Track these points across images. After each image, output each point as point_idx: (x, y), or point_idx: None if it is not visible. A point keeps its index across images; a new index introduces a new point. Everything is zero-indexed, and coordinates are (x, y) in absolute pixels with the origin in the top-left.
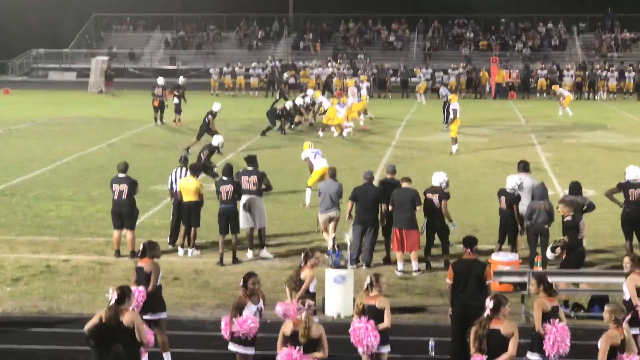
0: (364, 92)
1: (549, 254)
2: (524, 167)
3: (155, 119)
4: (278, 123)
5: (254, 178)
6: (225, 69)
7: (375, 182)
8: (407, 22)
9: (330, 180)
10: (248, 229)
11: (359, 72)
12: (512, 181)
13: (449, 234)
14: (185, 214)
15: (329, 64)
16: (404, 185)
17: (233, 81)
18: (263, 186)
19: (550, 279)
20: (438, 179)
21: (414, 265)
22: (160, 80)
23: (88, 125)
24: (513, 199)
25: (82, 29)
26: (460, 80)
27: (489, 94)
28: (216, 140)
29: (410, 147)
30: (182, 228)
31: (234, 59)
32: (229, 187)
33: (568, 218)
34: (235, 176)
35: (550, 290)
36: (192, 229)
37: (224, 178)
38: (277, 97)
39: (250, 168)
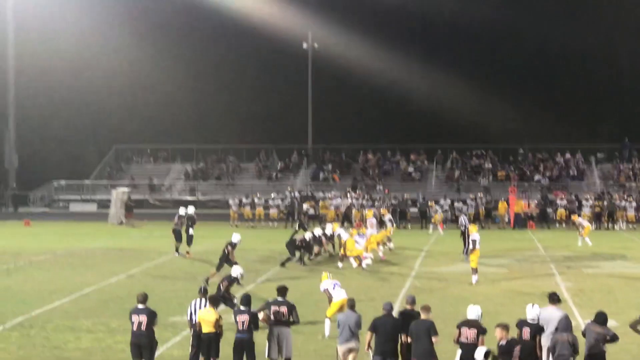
0: (388, 224)
1: None
2: (557, 299)
3: (177, 249)
4: (297, 254)
5: (284, 309)
6: (244, 200)
7: (395, 313)
8: (425, 153)
9: (349, 311)
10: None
11: (377, 202)
12: (533, 312)
13: None
14: (205, 346)
15: (348, 195)
16: (423, 316)
17: (252, 212)
18: (291, 319)
19: None
20: (474, 312)
21: None
22: (182, 211)
23: (108, 256)
24: (537, 329)
25: (103, 160)
26: (480, 210)
27: (508, 224)
28: (235, 271)
29: (430, 277)
30: None
31: (253, 189)
32: (245, 317)
33: (502, 342)
34: (264, 305)
35: None
36: (211, 359)
37: (242, 308)
38: (297, 228)
39: (280, 299)
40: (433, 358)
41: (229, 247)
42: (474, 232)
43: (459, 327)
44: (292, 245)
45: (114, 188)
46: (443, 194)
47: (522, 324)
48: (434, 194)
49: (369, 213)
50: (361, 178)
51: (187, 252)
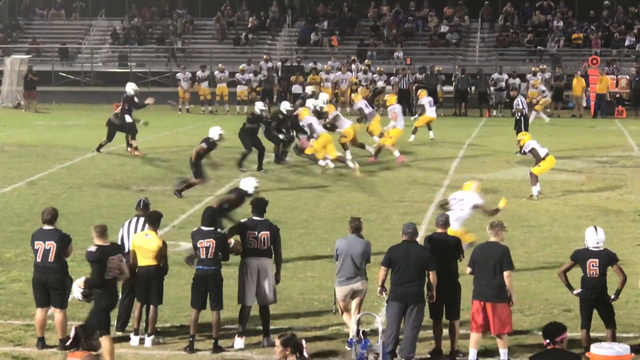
0: (429, 111)
1: None
2: None
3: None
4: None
5: (264, 233)
6: (200, 74)
7: (420, 239)
8: (465, 6)
9: (353, 236)
10: (243, 306)
11: (395, 77)
12: (596, 235)
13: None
14: (142, 286)
15: (352, 66)
16: (493, 237)
17: (212, 91)
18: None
19: None
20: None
21: (502, 354)
22: (128, 87)
23: (0, 154)
24: (610, 258)
25: None
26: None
27: (587, 109)
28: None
29: None
30: (137, 306)
31: (212, 58)
32: (209, 242)
33: None
34: (238, 227)
35: None
36: (151, 307)
37: (203, 228)
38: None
39: (257, 218)
40: (505, 298)
41: (203, 149)
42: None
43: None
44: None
45: (7, 55)
46: (492, 64)
47: (583, 254)
48: (480, 65)
49: (390, 98)
50: (371, 42)
51: (134, 149)
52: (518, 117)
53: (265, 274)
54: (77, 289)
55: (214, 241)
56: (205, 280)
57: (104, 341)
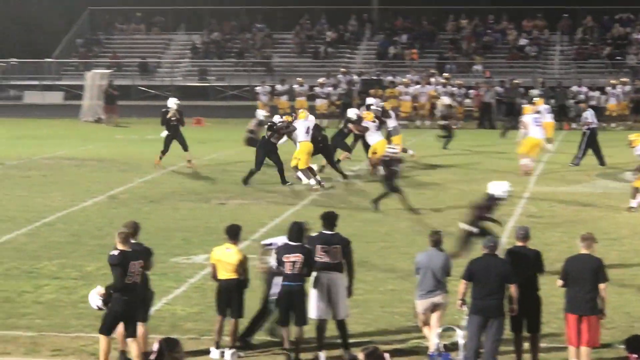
0: (533, 131)
1: None
2: None
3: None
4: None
5: (336, 248)
6: (279, 87)
7: (501, 253)
8: (545, 19)
9: (434, 250)
10: (318, 320)
11: (475, 91)
12: None
13: None
14: (223, 298)
15: (432, 79)
16: (584, 249)
17: (291, 104)
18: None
19: None
20: None
21: None
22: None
23: (80, 169)
24: None
25: (72, 29)
26: (621, 103)
27: None
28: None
29: (551, 199)
30: (218, 319)
31: (292, 72)
32: (296, 257)
33: None
34: (307, 242)
35: None
36: (232, 320)
37: (290, 243)
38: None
39: (328, 232)
40: (596, 311)
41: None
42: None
43: None
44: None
45: (88, 70)
46: (570, 76)
47: None
48: (558, 78)
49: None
50: (450, 55)
51: (189, 161)
52: (585, 130)
53: (336, 288)
54: (95, 297)
55: (302, 256)
56: (290, 296)
57: (101, 340)
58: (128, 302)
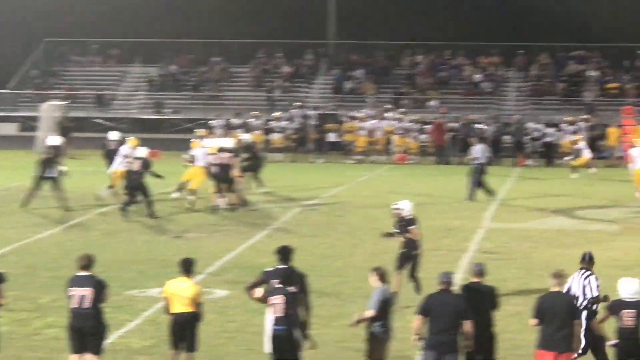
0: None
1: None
2: None
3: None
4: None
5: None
6: (234, 121)
7: (456, 289)
8: (500, 55)
9: (381, 285)
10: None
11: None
12: (632, 286)
13: None
14: (177, 332)
15: (388, 114)
16: (555, 287)
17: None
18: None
19: None
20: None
21: None
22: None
23: (35, 200)
24: None
25: (28, 61)
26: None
27: (621, 159)
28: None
29: (506, 235)
30: (171, 353)
31: (247, 106)
32: (282, 298)
33: None
34: (261, 277)
35: None
36: (187, 355)
37: (277, 285)
38: None
39: (282, 266)
40: (571, 348)
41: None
42: None
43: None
44: None
45: (43, 101)
46: (526, 113)
47: (619, 306)
48: (513, 114)
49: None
50: (406, 90)
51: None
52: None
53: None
54: None
55: (284, 298)
56: (279, 343)
57: None
58: None
